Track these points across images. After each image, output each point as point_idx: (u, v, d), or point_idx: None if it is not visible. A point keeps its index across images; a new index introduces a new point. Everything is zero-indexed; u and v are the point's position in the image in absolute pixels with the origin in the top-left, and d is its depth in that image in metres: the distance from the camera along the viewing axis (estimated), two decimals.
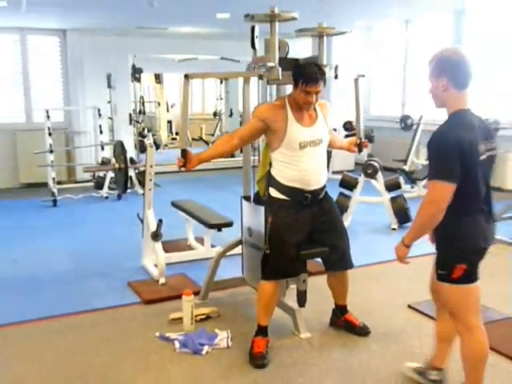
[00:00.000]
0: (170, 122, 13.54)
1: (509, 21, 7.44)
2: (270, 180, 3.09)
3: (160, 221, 4.09)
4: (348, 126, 8.26)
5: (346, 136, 7.73)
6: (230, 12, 7.22)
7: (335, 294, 3.33)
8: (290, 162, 2.95)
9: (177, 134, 13.25)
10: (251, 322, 3.42)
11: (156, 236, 4.11)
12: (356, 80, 3.32)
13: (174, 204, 5.21)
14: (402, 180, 6.39)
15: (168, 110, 13.34)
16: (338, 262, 3.12)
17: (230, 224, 4.47)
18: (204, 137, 13.28)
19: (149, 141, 3.82)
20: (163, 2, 6.04)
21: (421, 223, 2.24)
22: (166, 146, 12.79)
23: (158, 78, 12.81)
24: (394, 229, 5.85)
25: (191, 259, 4.76)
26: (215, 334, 3.21)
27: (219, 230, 4.49)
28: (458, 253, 2.23)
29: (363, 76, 3.37)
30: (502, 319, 3.45)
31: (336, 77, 3.14)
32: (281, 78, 2.95)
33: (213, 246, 4.90)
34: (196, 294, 3.87)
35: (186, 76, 2.71)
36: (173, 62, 9.82)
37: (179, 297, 3.84)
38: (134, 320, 3.54)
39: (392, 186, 6.10)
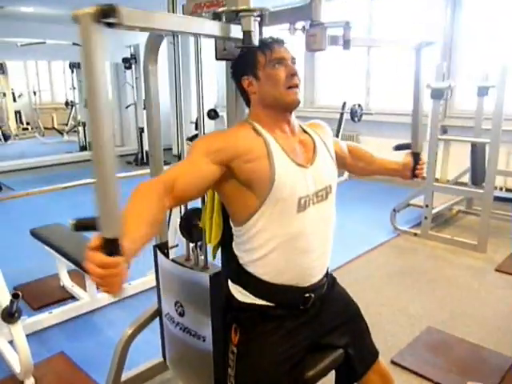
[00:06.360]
0: (18, 112, 11.01)
1: None
2: (235, 272, 1.30)
3: (15, 296, 1.96)
4: (212, 115, 4.48)
5: None
6: None
7: None
8: (276, 239, 1.19)
9: (28, 123, 10.91)
10: None
11: (11, 316, 1.99)
12: (418, 51, 1.53)
13: (35, 234, 3.02)
14: None
15: (15, 100, 10.39)
16: (365, 356, 1.42)
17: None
18: (56, 126, 10.84)
19: None
20: None
21: None
22: (16, 135, 10.58)
23: (1, 69, 9.95)
24: None
25: (71, 317, 2.69)
26: None
27: None
28: None
29: (430, 43, 1.53)
30: None
31: (346, 45, 1.29)
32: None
33: (98, 288, 2.89)
34: None
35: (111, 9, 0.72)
36: (16, 48, 6.99)
37: None
38: None
39: None
